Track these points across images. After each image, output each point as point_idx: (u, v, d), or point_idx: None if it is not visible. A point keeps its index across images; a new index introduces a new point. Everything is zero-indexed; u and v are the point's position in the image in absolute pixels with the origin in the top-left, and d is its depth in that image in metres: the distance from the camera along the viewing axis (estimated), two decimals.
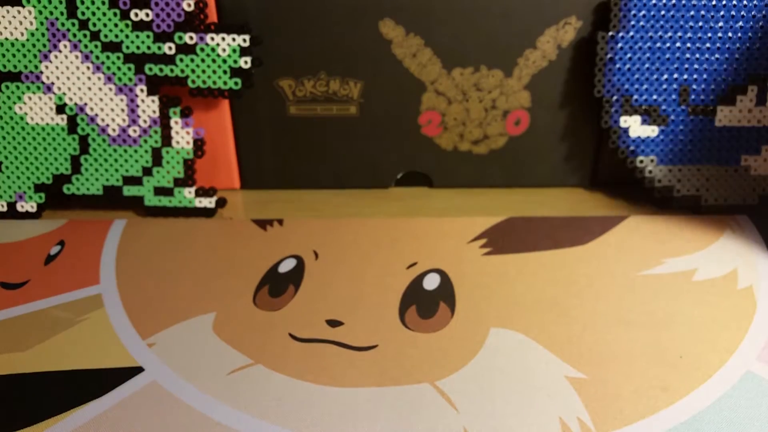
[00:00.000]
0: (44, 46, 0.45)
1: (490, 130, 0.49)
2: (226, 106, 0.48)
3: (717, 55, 0.46)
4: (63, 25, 0.45)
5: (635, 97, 0.46)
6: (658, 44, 0.46)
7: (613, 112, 0.47)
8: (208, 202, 0.48)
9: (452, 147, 0.50)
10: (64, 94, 0.46)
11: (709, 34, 0.45)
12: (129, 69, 0.46)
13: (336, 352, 0.37)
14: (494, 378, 0.36)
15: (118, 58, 0.46)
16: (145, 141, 0.47)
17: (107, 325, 0.39)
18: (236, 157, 0.50)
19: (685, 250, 0.44)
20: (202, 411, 0.34)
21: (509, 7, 0.45)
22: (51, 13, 0.45)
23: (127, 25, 0.45)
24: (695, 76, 0.46)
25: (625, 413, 0.34)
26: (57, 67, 0.46)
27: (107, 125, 0.47)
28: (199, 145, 0.47)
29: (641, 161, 0.47)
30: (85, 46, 0.46)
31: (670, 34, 0.45)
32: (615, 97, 0.46)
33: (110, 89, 0.46)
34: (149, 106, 0.46)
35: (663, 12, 0.45)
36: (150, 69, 0.46)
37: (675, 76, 0.46)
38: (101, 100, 0.46)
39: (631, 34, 0.45)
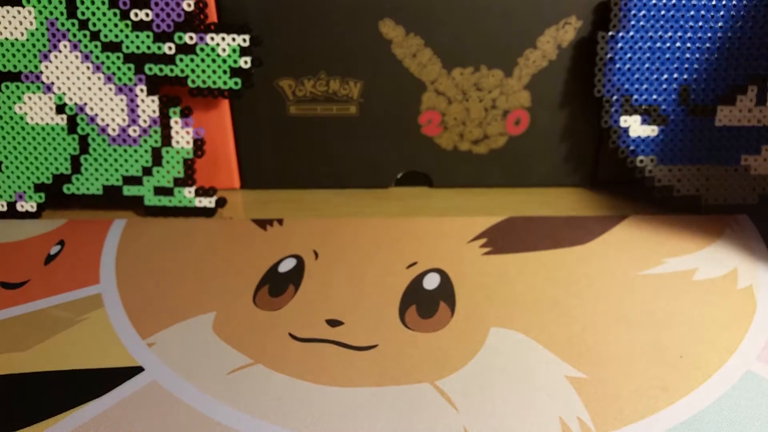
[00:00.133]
0: (44, 46, 0.45)
1: (490, 130, 0.49)
2: (226, 106, 0.48)
3: (717, 55, 0.46)
4: (63, 25, 0.45)
5: (635, 97, 0.46)
6: (658, 44, 0.46)
7: (613, 112, 0.47)
8: (208, 202, 0.48)
9: (452, 147, 0.50)
10: (64, 94, 0.46)
11: (709, 34, 0.45)
12: (129, 69, 0.46)
13: (336, 352, 0.37)
14: (494, 378, 0.36)
15: (118, 58, 0.46)
16: (145, 141, 0.47)
17: (107, 324, 0.39)
18: (236, 157, 0.50)
19: (685, 250, 0.44)
20: (202, 411, 0.34)
21: (509, 7, 0.45)
22: (51, 13, 0.45)
23: (127, 25, 0.45)
24: (695, 76, 0.46)
25: (625, 413, 0.34)
26: (57, 67, 0.46)
27: (107, 125, 0.47)
28: (199, 145, 0.47)
29: (641, 161, 0.47)
30: (85, 46, 0.46)
31: (670, 34, 0.45)
32: (615, 97, 0.46)
33: (110, 89, 0.46)
34: (149, 106, 0.46)
35: (663, 12, 0.45)
36: (150, 69, 0.46)
37: (675, 76, 0.46)
38: (101, 100, 0.46)
39: (631, 34, 0.45)
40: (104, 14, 0.45)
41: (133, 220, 0.48)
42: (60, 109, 0.47)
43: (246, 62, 0.45)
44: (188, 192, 0.48)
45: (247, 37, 0.45)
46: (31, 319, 0.40)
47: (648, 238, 0.45)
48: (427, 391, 0.35)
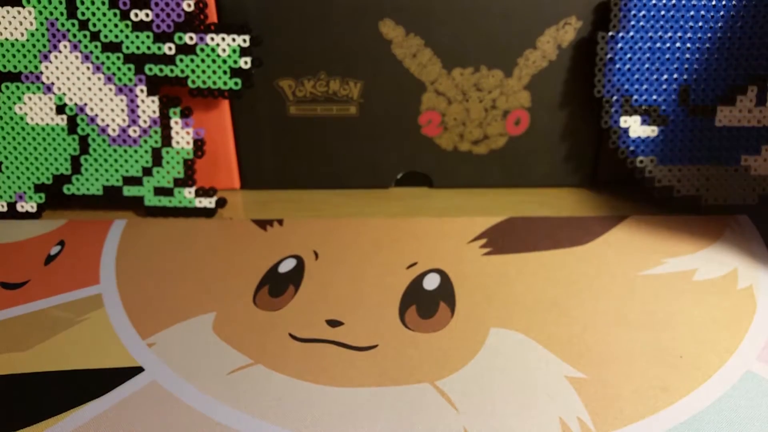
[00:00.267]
0: (44, 46, 0.45)
1: (490, 130, 0.49)
2: (226, 106, 0.48)
3: (717, 55, 0.46)
4: (63, 25, 0.45)
5: (635, 97, 0.46)
6: (658, 44, 0.46)
7: (613, 112, 0.47)
8: (208, 202, 0.48)
9: (452, 147, 0.50)
10: (64, 94, 0.46)
11: (709, 34, 0.45)
12: (129, 69, 0.46)
13: (336, 352, 0.37)
14: (494, 378, 0.36)
15: (118, 58, 0.46)
16: (145, 141, 0.47)
17: (107, 325, 0.39)
18: (236, 157, 0.50)
19: (685, 250, 0.44)
20: (202, 411, 0.34)
21: (509, 7, 0.45)
22: (51, 13, 0.45)
23: (127, 26, 0.45)
24: (695, 76, 0.46)
25: (625, 413, 0.34)
26: (57, 68, 0.46)
27: (107, 125, 0.47)
28: (199, 145, 0.47)
29: (641, 161, 0.47)
30: (85, 47, 0.46)
31: (670, 34, 0.45)
32: (615, 97, 0.46)
33: (110, 89, 0.46)
34: (149, 107, 0.46)
35: (663, 12, 0.45)
36: (150, 69, 0.46)
37: (675, 76, 0.46)
38: (101, 100, 0.46)
39: (631, 34, 0.45)
40: (104, 14, 0.45)
41: (133, 221, 0.48)
42: (60, 109, 0.47)
43: (246, 62, 0.45)
44: (188, 192, 0.48)
45: (247, 37, 0.45)
46: (31, 320, 0.40)
47: (648, 239, 0.45)
48: (427, 391, 0.35)
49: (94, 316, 0.40)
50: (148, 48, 0.45)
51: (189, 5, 0.44)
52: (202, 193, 0.48)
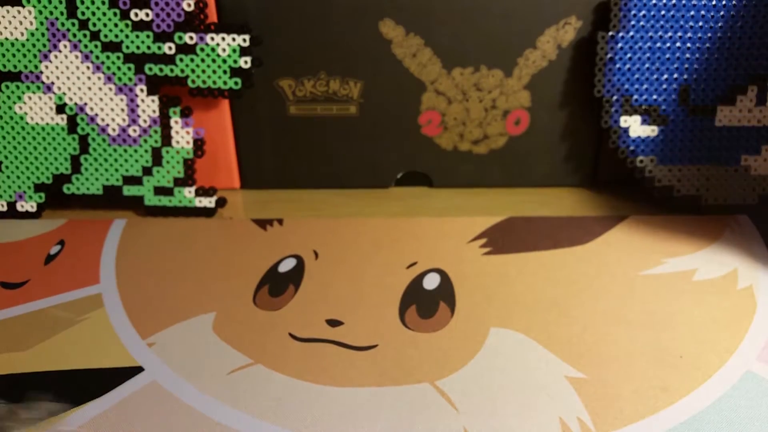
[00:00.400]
0: (44, 46, 0.45)
1: (490, 130, 0.49)
2: (226, 106, 0.48)
3: (717, 55, 0.46)
4: (63, 25, 0.45)
5: (635, 97, 0.46)
6: (658, 44, 0.46)
7: (613, 112, 0.47)
8: (208, 202, 0.48)
9: (452, 147, 0.50)
10: (64, 94, 0.46)
11: (709, 34, 0.45)
12: (129, 69, 0.46)
13: (336, 352, 0.37)
14: (494, 378, 0.36)
15: (118, 58, 0.46)
16: (145, 141, 0.47)
17: (107, 324, 0.39)
18: (236, 157, 0.50)
19: (685, 250, 0.44)
20: (202, 411, 0.34)
21: (509, 7, 0.45)
22: (51, 13, 0.45)
23: (127, 25, 0.45)
24: (695, 76, 0.46)
25: (625, 413, 0.34)
26: (57, 67, 0.46)
27: (107, 125, 0.47)
28: (199, 145, 0.47)
29: (641, 161, 0.47)
30: (85, 46, 0.46)
31: (670, 34, 0.45)
32: (615, 97, 0.46)
33: (110, 89, 0.46)
34: (149, 106, 0.46)
35: (663, 12, 0.45)
36: (150, 69, 0.46)
37: (675, 76, 0.46)
38: (101, 100, 0.46)
39: (631, 34, 0.45)
40: (104, 14, 0.45)
41: (133, 220, 0.48)
42: (60, 109, 0.47)
43: (246, 62, 0.45)
44: (188, 192, 0.48)
45: (247, 37, 0.45)
46: (31, 319, 0.40)
47: (648, 239, 0.45)
48: (427, 391, 0.35)
49: (94, 315, 0.40)
50: (148, 48, 0.45)
51: (189, 5, 0.44)
52: (202, 192, 0.48)
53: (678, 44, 0.46)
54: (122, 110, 0.47)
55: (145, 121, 0.47)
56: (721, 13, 0.45)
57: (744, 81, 0.46)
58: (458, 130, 0.49)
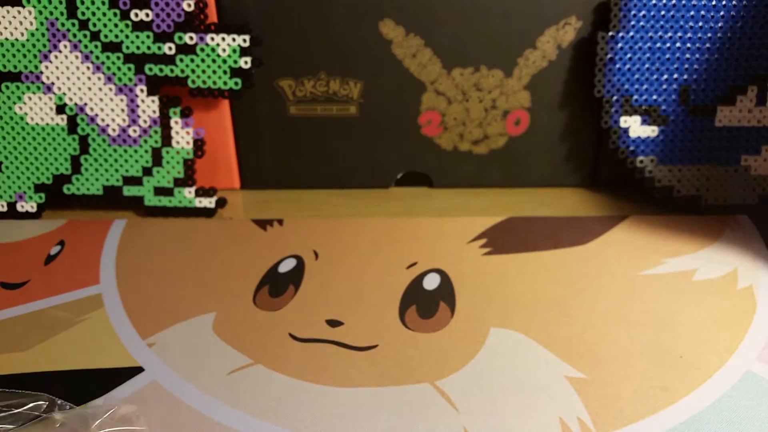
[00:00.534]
0: (44, 46, 0.45)
1: (490, 130, 0.49)
2: (226, 106, 0.48)
3: (717, 55, 0.46)
4: (63, 25, 0.45)
5: (635, 97, 0.46)
6: (658, 44, 0.46)
7: (613, 112, 0.47)
8: (208, 202, 0.48)
9: (452, 147, 0.50)
10: (64, 94, 0.46)
11: (709, 34, 0.45)
12: (129, 69, 0.46)
13: (336, 352, 0.37)
14: (494, 378, 0.36)
15: (118, 58, 0.46)
16: (145, 141, 0.47)
17: (107, 325, 0.39)
18: (236, 157, 0.50)
19: (685, 250, 0.44)
20: (202, 411, 0.34)
21: (509, 7, 0.45)
22: (51, 13, 0.45)
23: (127, 26, 0.45)
24: (695, 76, 0.46)
25: (625, 413, 0.34)
26: (57, 67, 0.46)
27: (107, 125, 0.47)
28: (199, 145, 0.47)
29: (641, 161, 0.47)
30: (85, 47, 0.46)
31: (670, 34, 0.45)
32: (615, 97, 0.46)
33: (110, 89, 0.46)
34: (149, 106, 0.46)
35: (663, 12, 0.45)
36: (150, 69, 0.46)
37: (675, 76, 0.46)
38: (101, 100, 0.46)
39: (631, 34, 0.45)
40: (104, 14, 0.45)
41: (133, 221, 0.48)
42: (60, 109, 0.47)
43: (246, 62, 0.45)
44: (188, 192, 0.48)
45: (247, 37, 0.45)
46: (31, 320, 0.40)
47: (648, 239, 0.45)
48: (427, 391, 0.35)
49: (94, 316, 0.40)
50: (148, 48, 0.45)
51: (189, 5, 0.44)
52: (202, 193, 0.48)
53: (678, 44, 0.46)
54: (122, 110, 0.47)
55: (145, 121, 0.47)
56: (721, 13, 0.45)
57: (744, 81, 0.46)
58: (458, 130, 0.49)
